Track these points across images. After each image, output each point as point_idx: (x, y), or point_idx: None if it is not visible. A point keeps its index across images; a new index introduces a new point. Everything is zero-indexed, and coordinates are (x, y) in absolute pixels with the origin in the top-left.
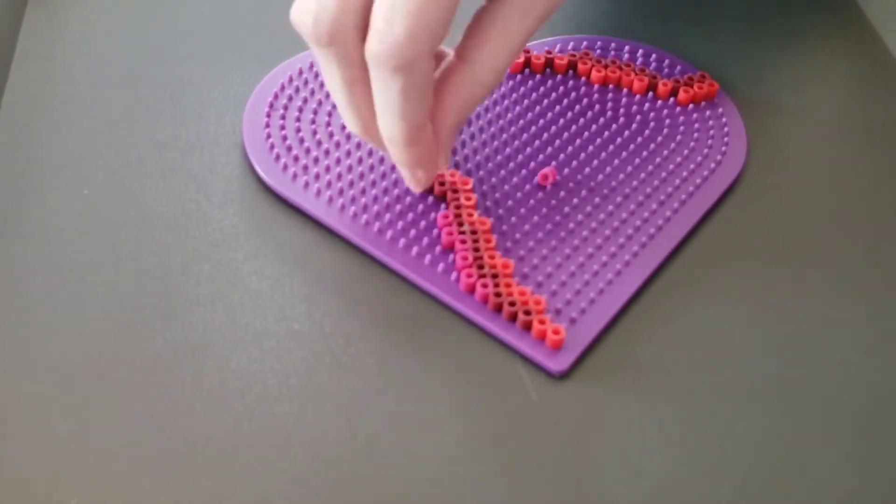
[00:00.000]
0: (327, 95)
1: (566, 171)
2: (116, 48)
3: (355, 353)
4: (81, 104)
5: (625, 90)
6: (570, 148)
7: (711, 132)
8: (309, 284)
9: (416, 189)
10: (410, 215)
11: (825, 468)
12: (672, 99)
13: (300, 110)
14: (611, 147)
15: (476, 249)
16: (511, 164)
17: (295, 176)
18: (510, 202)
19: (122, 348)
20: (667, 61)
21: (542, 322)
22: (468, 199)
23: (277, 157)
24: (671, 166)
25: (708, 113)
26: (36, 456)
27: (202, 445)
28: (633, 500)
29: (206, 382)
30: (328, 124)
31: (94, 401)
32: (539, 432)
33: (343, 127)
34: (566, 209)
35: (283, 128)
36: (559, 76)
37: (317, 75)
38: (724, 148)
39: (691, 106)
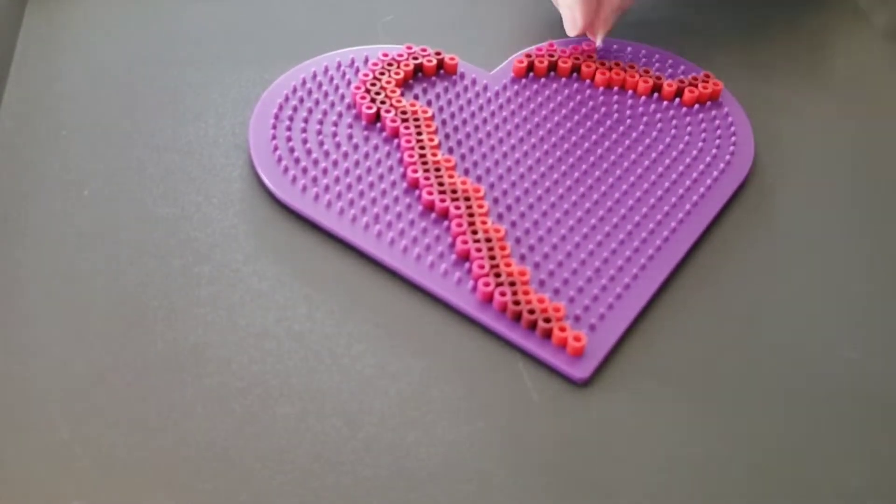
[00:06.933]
0: (333, 104)
1: (577, 174)
2: (116, 49)
3: (356, 355)
4: (81, 105)
5: (629, 92)
6: (578, 152)
7: (718, 132)
8: (309, 285)
9: (571, 31)
10: (423, 224)
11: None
12: (677, 100)
13: (306, 120)
14: (619, 150)
15: (492, 258)
16: (521, 170)
17: (304, 188)
18: (522, 209)
19: (123, 350)
20: (670, 62)
21: (562, 329)
22: (480, 206)
23: (286, 170)
24: (681, 168)
25: (714, 113)
26: (38, 457)
27: (203, 446)
28: None
29: (206, 383)
30: (335, 135)
31: (95, 402)
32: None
33: (350, 136)
34: (579, 214)
35: (289, 139)
36: (563, 79)
37: (320, 84)
38: (731, 148)
39: (696, 106)
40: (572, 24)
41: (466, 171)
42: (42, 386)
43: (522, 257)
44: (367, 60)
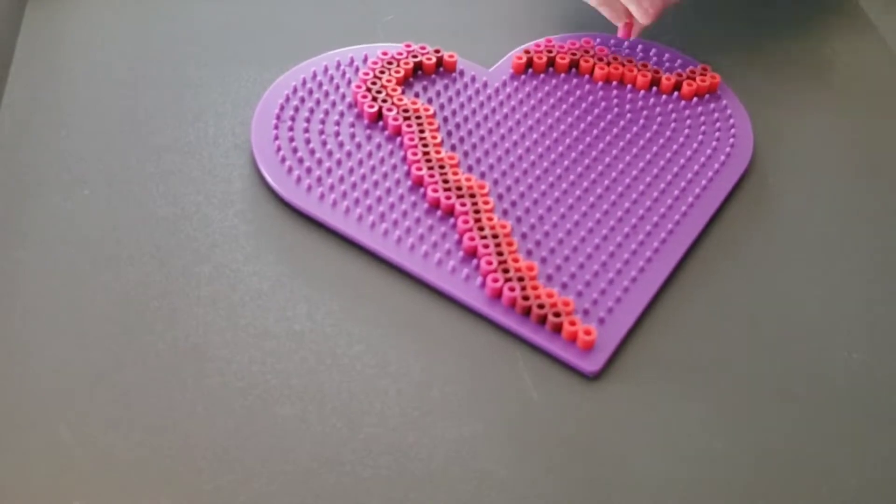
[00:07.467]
0: (334, 103)
1: (580, 169)
2: (116, 49)
3: (356, 354)
4: (81, 105)
5: (628, 86)
6: (580, 146)
7: (717, 124)
8: (309, 286)
9: (643, 18)
10: (429, 221)
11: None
12: (676, 93)
13: (308, 120)
14: (621, 144)
15: (499, 254)
16: (524, 166)
17: (309, 188)
18: (527, 204)
19: (123, 350)
20: (667, 55)
21: (572, 323)
22: (486, 202)
23: (290, 170)
24: (682, 161)
25: (712, 106)
26: (39, 457)
27: (203, 446)
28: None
29: (207, 384)
30: (337, 133)
31: (96, 402)
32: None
33: (353, 135)
34: (584, 208)
35: (292, 139)
36: (562, 75)
37: (321, 84)
38: (731, 140)
39: (695, 100)
40: (643, 12)
41: (470, 168)
42: (42, 386)
43: (529, 252)
44: (366, 59)
